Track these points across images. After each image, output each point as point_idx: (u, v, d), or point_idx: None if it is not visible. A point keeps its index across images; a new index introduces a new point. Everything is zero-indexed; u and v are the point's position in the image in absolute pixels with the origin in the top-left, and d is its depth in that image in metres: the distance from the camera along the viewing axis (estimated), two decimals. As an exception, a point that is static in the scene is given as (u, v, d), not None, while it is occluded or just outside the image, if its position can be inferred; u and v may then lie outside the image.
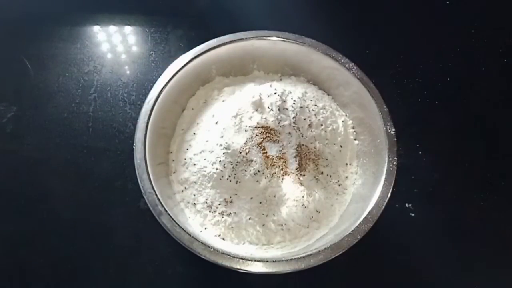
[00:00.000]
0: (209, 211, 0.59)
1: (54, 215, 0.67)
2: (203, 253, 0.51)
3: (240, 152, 0.58)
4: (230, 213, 0.58)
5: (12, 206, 0.67)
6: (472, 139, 0.75)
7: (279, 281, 0.63)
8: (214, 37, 0.64)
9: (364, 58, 0.77)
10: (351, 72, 0.63)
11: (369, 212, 0.54)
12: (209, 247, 0.51)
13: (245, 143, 0.59)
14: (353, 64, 0.63)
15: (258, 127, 0.60)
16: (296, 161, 0.59)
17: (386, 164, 0.57)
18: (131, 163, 0.56)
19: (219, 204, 0.58)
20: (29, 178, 0.70)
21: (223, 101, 0.65)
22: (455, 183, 0.72)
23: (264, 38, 0.65)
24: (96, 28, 0.83)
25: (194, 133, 0.63)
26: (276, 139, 0.60)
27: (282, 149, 0.60)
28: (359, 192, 0.61)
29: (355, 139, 0.66)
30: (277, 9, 0.86)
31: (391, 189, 0.56)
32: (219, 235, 0.58)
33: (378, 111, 0.60)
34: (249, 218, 0.57)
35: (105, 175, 0.69)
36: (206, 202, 0.59)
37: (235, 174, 0.58)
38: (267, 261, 0.51)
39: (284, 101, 0.63)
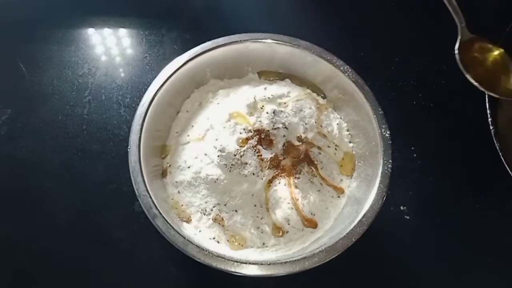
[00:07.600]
0: (204, 214, 0.58)
1: (48, 217, 0.67)
2: (198, 256, 0.51)
3: (235, 155, 0.58)
4: (225, 215, 0.58)
5: (6, 209, 0.67)
6: (467, 141, 0.75)
7: (274, 284, 0.63)
8: (209, 40, 0.64)
9: (359, 60, 0.77)
10: (346, 74, 0.63)
11: (364, 215, 0.54)
12: (203, 249, 0.51)
13: (240, 146, 0.59)
14: (348, 66, 0.63)
15: (253, 130, 0.60)
16: (290, 163, 0.59)
17: (381, 166, 0.57)
18: (125, 166, 0.56)
19: (214, 207, 0.58)
20: (23, 180, 0.69)
21: (217, 103, 0.65)
22: (450, 186, 0.72)
23: (259, 40, 0.65)
24: (90, 30, 0.83)
25: (189, 136, 0.63)
26: (271, 142, 0.60)
27: (277, 151, 0.60)
28: (354, 195, 0.61)
29: (350, 142, 0.66)
30: (272, 11, 0.86)
31: (386, 192, 0.56)
32: (214, 238, 0.58)
33: (373, 113, 0.60)
34: (244, 221, 0.57)
35: (99, 177, 0.69)
36: (201, 205, 0.59)
37: (229, 177, 0.58)
38: (262, 264, 0.51)
39: (279, 104, 0.63)
